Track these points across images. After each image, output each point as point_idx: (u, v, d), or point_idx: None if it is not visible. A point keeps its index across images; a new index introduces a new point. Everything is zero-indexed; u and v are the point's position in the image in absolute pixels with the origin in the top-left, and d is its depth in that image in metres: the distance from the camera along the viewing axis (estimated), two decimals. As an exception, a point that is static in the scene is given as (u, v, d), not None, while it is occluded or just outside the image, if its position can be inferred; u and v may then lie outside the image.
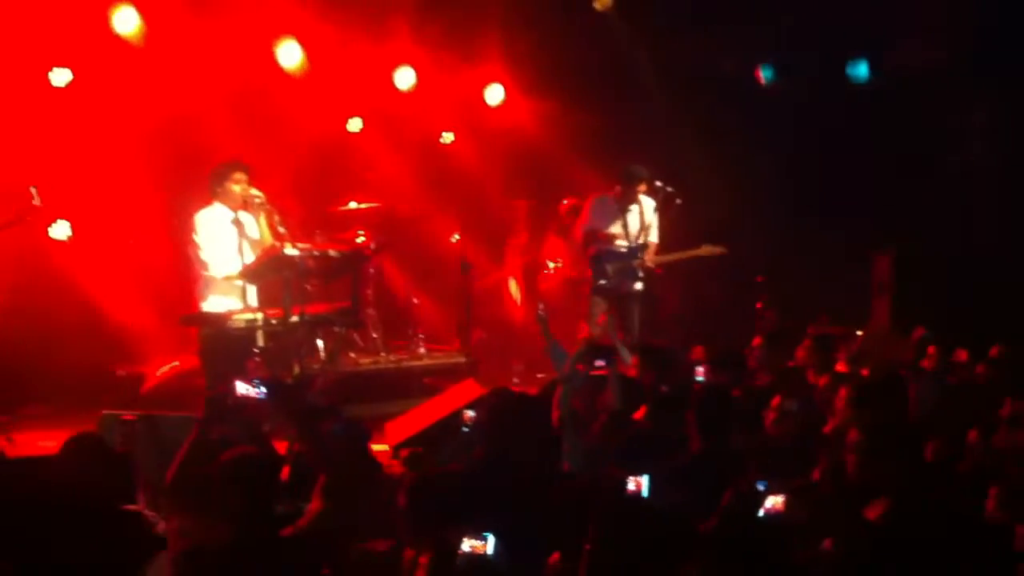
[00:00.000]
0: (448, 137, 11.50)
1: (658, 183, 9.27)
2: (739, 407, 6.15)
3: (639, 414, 6.33)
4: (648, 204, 9.27)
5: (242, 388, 5.41)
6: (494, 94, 11.62)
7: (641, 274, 9.27)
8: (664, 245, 9.39)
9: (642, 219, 9.26)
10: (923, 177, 11.45)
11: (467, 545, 3.85)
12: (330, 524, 4.53)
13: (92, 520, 4.46)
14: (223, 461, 4.36)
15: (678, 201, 9.25)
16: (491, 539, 3.84)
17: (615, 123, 11.19)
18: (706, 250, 9.39)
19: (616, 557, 4.23)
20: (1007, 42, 10.85)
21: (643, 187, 9.20)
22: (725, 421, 5.57)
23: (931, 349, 7.31)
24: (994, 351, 7.62)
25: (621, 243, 9.24)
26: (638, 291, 9.28)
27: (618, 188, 9.25)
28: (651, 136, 11.08)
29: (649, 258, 9.27)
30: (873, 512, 4.56)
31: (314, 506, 4.70)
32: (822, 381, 6.81)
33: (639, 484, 4.73)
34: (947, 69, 11.23)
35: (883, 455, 4.69)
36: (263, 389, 5.45)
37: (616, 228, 9.25)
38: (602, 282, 9.18)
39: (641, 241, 9.25)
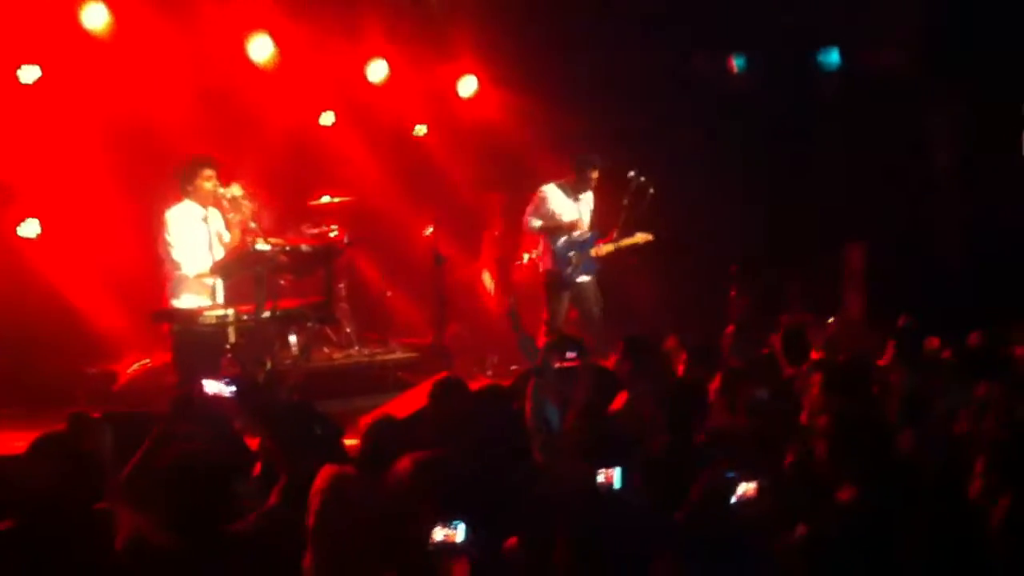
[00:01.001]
0: (421, 130, 11.46)
1: (631, 173, 9.28)
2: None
3: (616, 404, 6.34)
4: (591, 197, 9.26)
5: (211, 386, 5.38)
6: (467, 86, 11.59)
7: (594, 265, 9.25)
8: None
9: (590, 209, 9.26)
10: (898, 169, 11.50)
11: (439, 534, 3.85)
12: (280, 522, 4.51)
13: (60, 520, 4.43)
14: (166, 464, 4.35)
15: (651, 191, 9.26)
16: (462, 527, 3.85)
17: (588, 115, 11.17)
18: (639, 237, 9.35)
19: (588, 551, 4.23)
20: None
21: (596, 175, 9.16)
22: (695, 418, 5.58)
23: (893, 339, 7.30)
24: (973, 338, 7.67)
25: (578, 232, 9.21)
26: (593, 281, 9.26)
27: (572, 176, 9.22)
28: (624, 127, 11.07)
29: (596, 250, 9.26)
30: (844, 495, 4.58)
31: (270, 503, 4.69)
32: (793, 370, 6.83)
33: (610, 476, 4.72)
34: (922, 66, 11.28)
35: (852, 441, 4.71)
36: (232, 387, 5.42)
37: (572, 216, 9.23)
38: (568, 271, 9.15)
39: (594, 231, 9.23)
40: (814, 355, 7.30)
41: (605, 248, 9.26)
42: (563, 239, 9.17)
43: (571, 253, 9.15)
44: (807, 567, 4.33)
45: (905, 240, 11.11)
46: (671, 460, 5.21)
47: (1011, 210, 11.09)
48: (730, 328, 8.28)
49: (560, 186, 9.25)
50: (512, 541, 4.42)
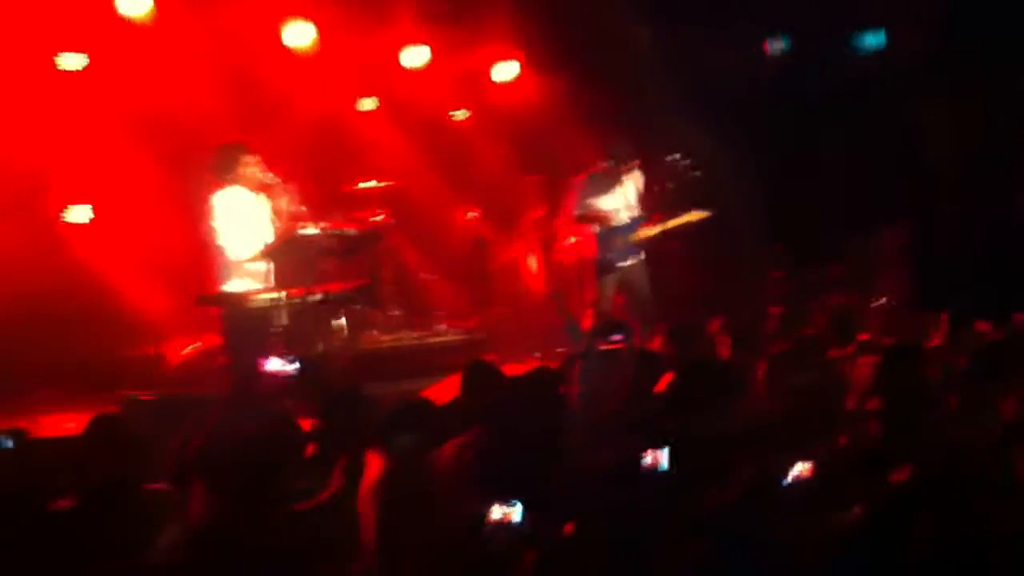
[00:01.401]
0: (460, 114, 11.45)
1: (675, 156, 9.21)
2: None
3: (659, 387, 6.33)
4: (637, 178, 9.19)
5: (273, 364, 5.43)
6: (506, 70, 11.56)
7: (641, 248, 9.20)
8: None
9: (635, 193, 9.22)
10: (942, 151, 11.38)
11: (497, 513, 3.88)
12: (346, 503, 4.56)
13: (111, 499, 4.50)
14: (228, 439, 4.41)
15: (695, 173, 9.18)
16: (519, 507, 3.87)
17: (628, 98, 11.13)
18: (693, 215, 9.19)
19: (630, 531, 4.21)
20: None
21: (633, 164, 9.10)
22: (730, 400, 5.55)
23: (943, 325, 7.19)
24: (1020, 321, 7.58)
25: (621, 217, 9.17)
26: (641, 265, 9.20)
27: (605, 164, 9.17)
28: (664, 110, 11.01)
29: (641, 233, 9.14)
30: (898, 477, 4.54)
31: (335, 485, 4.73)
32: (838, 352, 6.78)
33: (657, 458, 4.71)
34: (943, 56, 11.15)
35: (906, 422, 4.68)
36: (295, 364, 5.46)
37: (612, 203, 9.18)
38: (609, 256, 9.12)
39: (636, 215, 9.18)
40: (863, 336, 7.24)
41: (649, 231, 9.20)
42: (604, 226, 9.13)
43: (612, 239, 9.11)
44: (864, 548, 4.29)
45: (950, 222, 10.99)
46: (699, 442, 5.15)
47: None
48: (774, 310, 8.20)
49: (594, 176, 9.18)
50: (570, 527, 4.42)
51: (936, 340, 7.14)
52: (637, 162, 9.10)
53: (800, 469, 4.51)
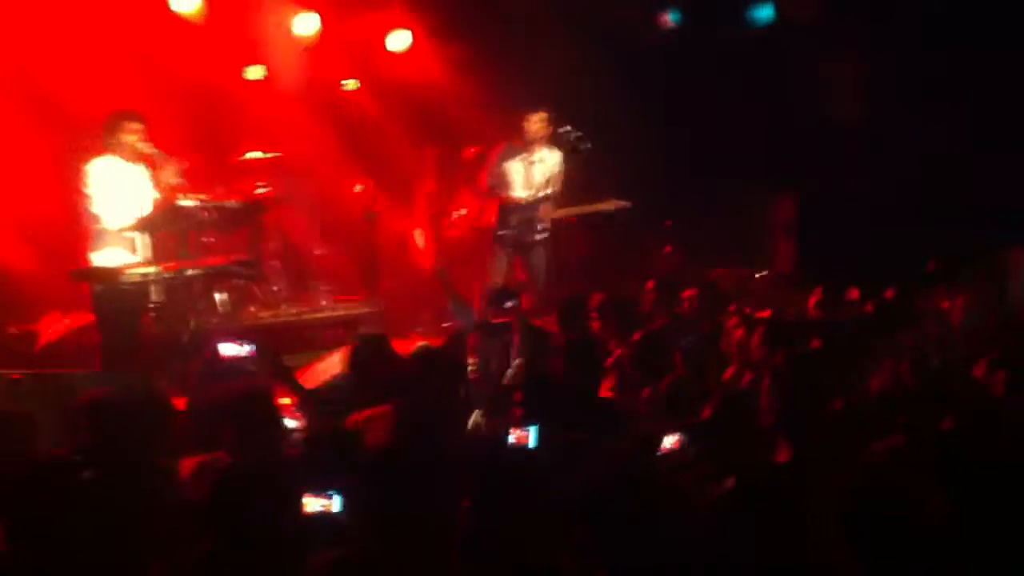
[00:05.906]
0: (351, 84, 11.29)
1: (566, 128, 9.18)
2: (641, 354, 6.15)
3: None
4: (553, 155, 9.15)
5: (228, 349, 5.36)
6: (399, 40, 11.42)
7: (543, 225, 9.15)
8: (572, 193, 9.29)
9: (546, 170, 9.18)
10: (822, 122, 11.55)
11: (316, 505, 3.84)
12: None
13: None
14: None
15: (586, 146, 9.16)
16: (337, 498, 3.85)
17: (524, 70, 11.08)
18: (610, 204, 9.27)
19: (495, 515, 4.14)
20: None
21: (535, 125, 9.02)
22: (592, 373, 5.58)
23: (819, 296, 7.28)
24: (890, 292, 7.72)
25: (524, 193, 9.13)
26: (541, 241, 9.16)
27: (520, 137, 9.13)
28: (559, 83, 10.99)
29: (548, 212, 9.12)
30: (782, 456, 4.57)
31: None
32: (709, 324, 6.85)
33: (523, 437, 4.65)
34: (832, 20, 11.30)
35: (796, 399, 4.70)
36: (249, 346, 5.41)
37: (520, 176, 9.14)
38: (503, 232, 9.08)
39: (545, 192, 9.15)
40: (734, 309, 7.31)
41: (563, 212, 9.17)
42: (510, 200, 9.07)
43: (511, 214, 9.06)
44: (731, 521, 4.30)
45: (834, 193, 11.17)
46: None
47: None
48: (650, 284, 8.20)
49: (511, 146, 9.13)
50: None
51: (812, 312, 7.24)
52: (537, 124, 8.98)
53: (670, 441, 4.53)
